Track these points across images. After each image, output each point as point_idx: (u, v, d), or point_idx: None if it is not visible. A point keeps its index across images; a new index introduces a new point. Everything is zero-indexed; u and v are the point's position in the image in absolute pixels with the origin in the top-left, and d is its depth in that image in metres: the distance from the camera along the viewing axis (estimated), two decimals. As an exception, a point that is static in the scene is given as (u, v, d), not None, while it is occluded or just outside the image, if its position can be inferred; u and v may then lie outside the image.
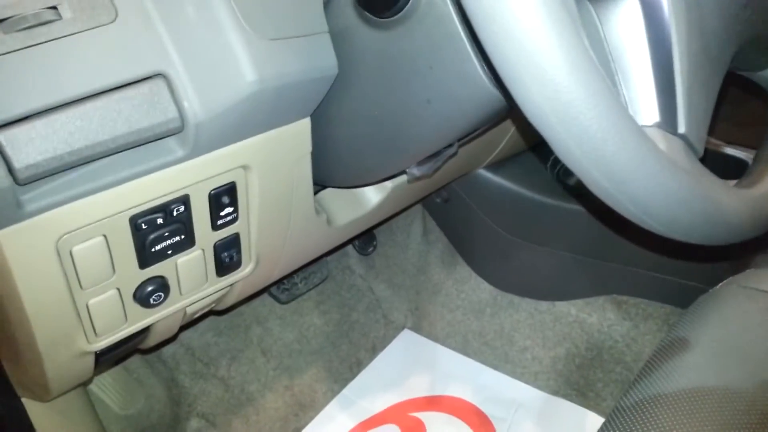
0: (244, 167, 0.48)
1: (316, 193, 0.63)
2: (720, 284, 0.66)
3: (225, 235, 0.52)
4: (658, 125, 0.35)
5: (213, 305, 0.64)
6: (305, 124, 0.51)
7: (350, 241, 1.20)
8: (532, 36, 0.27)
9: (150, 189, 0.43)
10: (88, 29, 0.37)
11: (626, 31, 0.35)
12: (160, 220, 0.46)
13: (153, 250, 0.47)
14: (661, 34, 0.35)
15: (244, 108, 0.43)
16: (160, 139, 0.41)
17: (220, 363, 1.03)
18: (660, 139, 0.34)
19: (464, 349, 1.11)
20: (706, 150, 0.38)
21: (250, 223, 0.53)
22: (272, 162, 0.50)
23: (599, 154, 0.29)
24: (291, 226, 0.58)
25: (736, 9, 0.41)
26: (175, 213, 0.46)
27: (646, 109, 0.36)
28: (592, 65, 0.28)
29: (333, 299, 1.23)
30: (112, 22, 0.38)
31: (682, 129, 0.36)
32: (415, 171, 0.56)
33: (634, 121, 0.30)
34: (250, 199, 0.51)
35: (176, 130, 0.41)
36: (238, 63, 0.41)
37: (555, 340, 1.07)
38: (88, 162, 0.39)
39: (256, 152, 0.48)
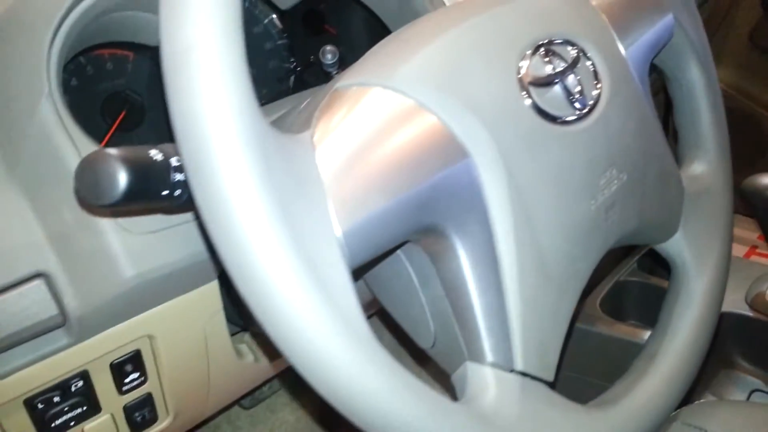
0: (149, 336, 0.49)
1: (239, 332, 0.63)
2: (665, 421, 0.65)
3: (135, 397, 0.52)
4: (492, 364, 0.36)
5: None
6: (213, 286, 0.52)
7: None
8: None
9: (42, 374, 0.44)
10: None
11: (455, 270, 0.36)
12: (57, 398, 0.46)
13: (54, 425, 0.47)
14: (490, 274, 0.36)
15: (128, 298, 0.44)
16: (45, 333, 0.42)
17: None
18: (491, 379, 0.35)
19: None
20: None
21: (163, 383, 0.54)
22: (179, 327, 0.51)
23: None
24: (211, 375, 0.59)
25: (588, 228, 0.41)
26: (73, 388, 0.47)
27: (479, 349, 0.36)
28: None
29: (306, 394, 1.21)
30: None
31: (519, 366, 0.36)
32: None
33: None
34: (159, 361, 0.52)
35: (58, 325, 0.42)
36: (116, 261, 0.43)
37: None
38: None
39: (158, 322, 0.49)
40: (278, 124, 0.49)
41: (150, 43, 0.62)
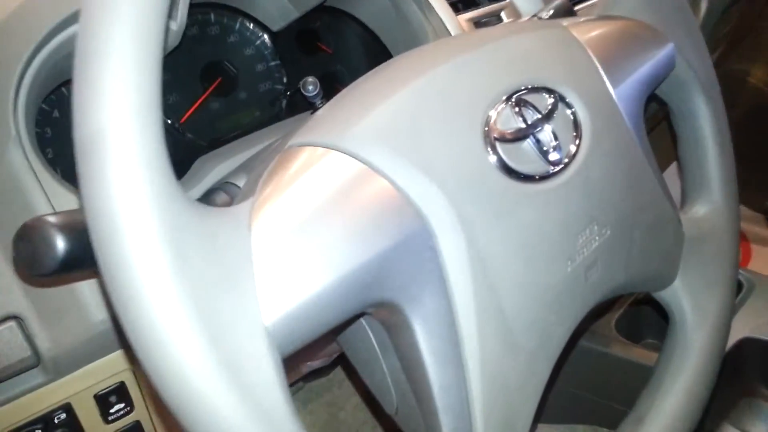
0: (130, 369, 0.49)
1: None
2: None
3: (122, 425, 0.52)
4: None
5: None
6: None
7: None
8: None
9: (24, 408, 0.45)
10: None
11: (410, 345, 0.34)
12: (39, 431, 0.46)
13: None
14: (448, 349, 0.33)
15: (99, 340, 0.44)
16: (20, 373, 0.42)
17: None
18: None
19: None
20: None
21: (151, 410, 0.53)
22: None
23: None
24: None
25: (563, 291, 0.38)
26: (56, 420, 0.47)
27: (436, 427, 0.34)
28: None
29: (320, 398, 1.21)
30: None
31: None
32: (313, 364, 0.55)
33: None
34: (145, 391, 0.51)
35: (32, 365, 0.42)
36: (86, 306, 0.43)
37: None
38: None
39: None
40: (227, 189, 0.47)
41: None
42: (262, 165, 0.37)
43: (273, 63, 0.72)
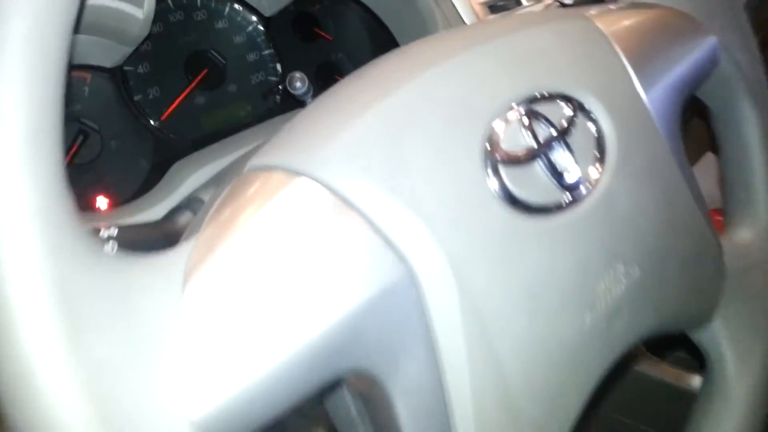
0: None
1: None
2: None
3: None
4: None
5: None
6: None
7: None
8: None
9: None
10: None
11: (389, 420, 0.27)
12: None
13: None
14: (435, 425, 0.27)
15: None
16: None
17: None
18: None
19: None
20: None
21: None
22: None
23: None
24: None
25: (580, 347, 0.31)
26: None
27: None
28: None
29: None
30: None
31: None
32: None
33: None
34: None
35: None
36: None
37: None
38: None
39: None
40: (194, 206, 0.41)
41: (106, 65, 0.55)
42: (221, 185, 0.31)
43: (266, 52, 0.65)
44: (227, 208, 0.27)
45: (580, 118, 0.33)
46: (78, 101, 0.55)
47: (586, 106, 0.33)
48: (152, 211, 0.47)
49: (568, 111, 0.32)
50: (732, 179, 0.44)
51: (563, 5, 0.52)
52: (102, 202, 0.56)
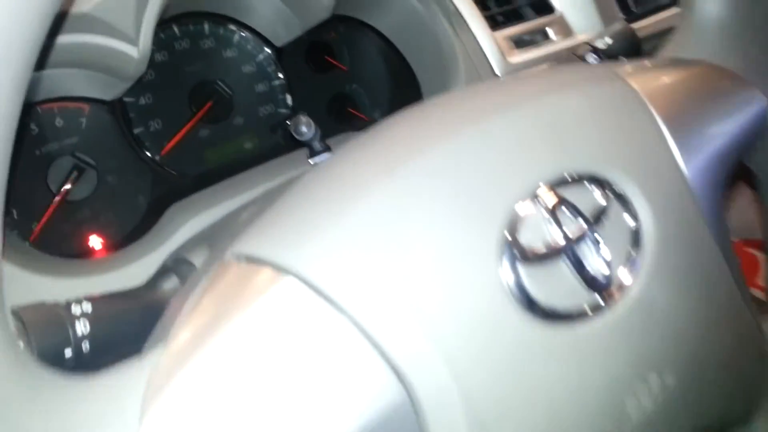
0: None
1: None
2: None
3: None
4: None
5: None
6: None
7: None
8: None
9: None
10: None
11: None
12: None
13: None
14: None
15: None
16: None
17: None
18: None
19: None
20: None
21: None
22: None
23: None
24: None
25: None
26: None
27: None
28: None
29: None
30: None
31: None
32: None
33: None
34: None
35: None
36: None
37: None
38: None
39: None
40: (180, 269, 0.38)
41: (105, 98, 0.52)
42: (198, 276, 0.27)
43: (276, 82, 0.62)
44: (200, 315, 0.24)
45: (614, 206, 0.29)
46: (74, 134, 0.52)
47: (621, 191, 0.29)
48: (143, 261, 0.44)
49: (600, 197, 0.28)
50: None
51: (595, 49, 0.48)
52: (96, 241, 0.53)
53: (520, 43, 0.64)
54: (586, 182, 0.29)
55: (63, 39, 0.41)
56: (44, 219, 0.50)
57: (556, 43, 0.64)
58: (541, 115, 0.30)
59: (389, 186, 0.26)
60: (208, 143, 0.58)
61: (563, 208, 0.28)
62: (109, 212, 0.53)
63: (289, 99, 0.62)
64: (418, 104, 0.33)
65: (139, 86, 0.55)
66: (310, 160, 0.49)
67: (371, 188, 0.26)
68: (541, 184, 0.28)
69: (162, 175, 0.55)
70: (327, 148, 0.49)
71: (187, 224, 0.46)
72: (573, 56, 0.49)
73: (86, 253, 0.52)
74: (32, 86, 0.51)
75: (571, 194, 0.28)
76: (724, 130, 0.36)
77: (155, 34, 0.56)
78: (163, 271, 0.38)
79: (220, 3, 0.57)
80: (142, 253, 0.45)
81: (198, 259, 0.38)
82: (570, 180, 0.28)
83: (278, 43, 0.61)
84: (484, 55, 0.62)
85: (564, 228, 0.27)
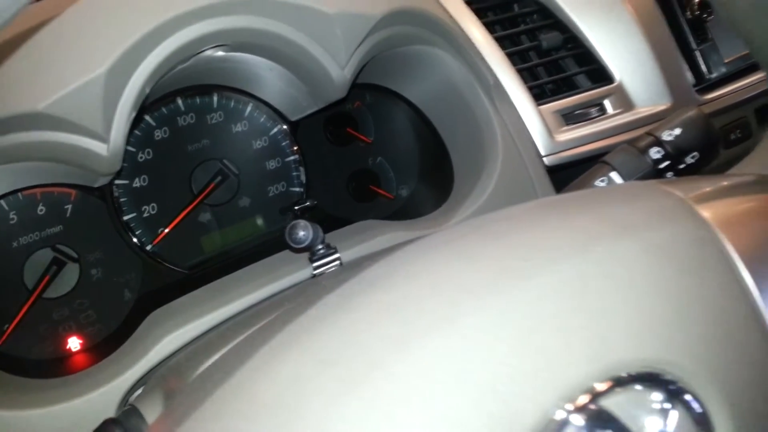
0: None
1: None
2: None
3: None
4: None
5: None
6: None
7: None
8: None
9: None
10: None
11: None
12: None
13: None
14: None
15: None
16: None
17: None
18: None
19: None
20: None
21: None
22: None
23: None
24: None
25: None
26: None
27: None
28: None
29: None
30: None
31: None
32: None
33: None
34: None
35: None
36: None
37: None
38: None
39: None
40: (129, 421, 0.31)
41: (92, 185, 0.46)
42: None
43: (290, 158, 0.55)
44: None
45: (681, 417, 0.20)
46: (57, 223, 0.47)
47: (688, 389, 0.20)
48: (110, 386, 0.38)
49: (656, 401, 0.20)
50: None
51: (659, 141, 0.39)
52: (74, 342, 0.47)
53: (572, 117, 0.55)
54: (641, 383, 0.20)
55: (24, 137, 0.36)
56: (16, 320, 0.45)
57: (614, 117, 0.55)
58: (565, 288, 0.21)
59: (397, 367, 0.18)
60: (208, 228, 0.52)
61: (603, 426, 0.19)
62: (90, 311, 0.47)
63: (303, 176, 0.55)
64: (430, 242, 0.25)
65: (133, 167, 0.49)
66: (312, 266, 0.42)
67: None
68: (580, 391, 0.19)
69: (152, 266, 0.49)
70: (330, 252, 0.41)
71: (165, 339, 0.40)
72: (632, 149, 0.40)
73: (60, 358, 0.46)
74: (14, 175, 0.46)
75: (614, 402, 0.19)
76: None
77: (157, 109, 0.51)
78: (108, 424, 0.31)
79: (229, 76, 0.51)
80: (113, 374, 0.38)
81: (149, 411, 0.31)
82: (617, 382, 0.20)
83: (293, 117, 0.54)
84: (527, 132, 0.53)
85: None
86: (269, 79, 0.50)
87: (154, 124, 0.50)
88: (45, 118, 0.34)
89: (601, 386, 0.20)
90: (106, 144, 0.36)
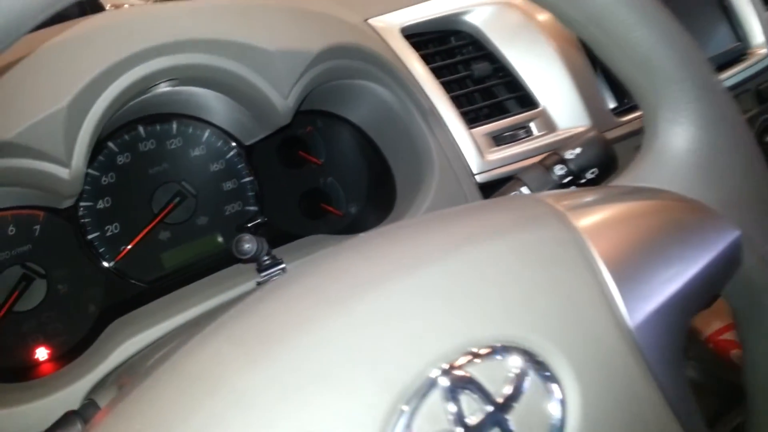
0: None
1: None
2: None
3: None
4: None
5: None
6: None
7: None
8: None
9: None
10: None
11: None
12: None
13: None
14: None
15: None
16: None
17: None
18: None
19: None
20: None
21: None
22: None
23: None
24: None
25: None
26: None
27: None
28: None
29: None
30: None
31: None
32: None
33: None
34: None
35: None
36: None
37: None
38: None
39: None
40: (86, 412, 0.35)
41: (58, 206, 0.51)
42: None
43: (245, 180, 0.60)
44: None
45: (533, 381, 0.25)
46: (26, 242, 0.51)
47: (541, 358, 0.25)
48: (73, 387, 0.42)
49: (513, 368, 0.24)
50: (760, 407, 0.35)
51: (563, 160, 0.45)
52: (42, 352, 0.51)
53: (501, 139, 0.61)
54: (499, 355, 0.25)
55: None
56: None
57: (538, 138, 0.61)
58: (447, 276, 0.26)
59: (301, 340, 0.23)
60: (168, 245, 0.56)
61: (464, 388, 0.24)
62: (59, 322, 0.51)
63: (257, 195, 0.60)
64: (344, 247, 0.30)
65: (97, 190, 0.54)
66: (259, 276, 0.46)
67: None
68: (439, 359, 0.24)
69: (115, 281, 0.53)
70: (276, 262, 0.46)
71: (124, 345, 0.44)
72: (540, 166, 0.46)
73: (28, 367, 0.49)
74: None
75: (475, 369, 0.24)
76: (687, 269, 0.31)
77: (120, 136, 0.55)
78: (67, 417, 0.35)
79: (184, 105, 0.56)
80: (74, 377, 0.42)
81: (105, 401, 0.35)
82: (478, 355, 0.25)
83: (247, 142, 0.59)
84: (460, 151, 0.59)
85: (464, 415, 0.23)
86: (220, 108, 0.55)
87: (117, 150, 0.55)
88: (14, 147, 0.38)
89: (463, 359, 0.25)
90: (68, 168, 0.41)
